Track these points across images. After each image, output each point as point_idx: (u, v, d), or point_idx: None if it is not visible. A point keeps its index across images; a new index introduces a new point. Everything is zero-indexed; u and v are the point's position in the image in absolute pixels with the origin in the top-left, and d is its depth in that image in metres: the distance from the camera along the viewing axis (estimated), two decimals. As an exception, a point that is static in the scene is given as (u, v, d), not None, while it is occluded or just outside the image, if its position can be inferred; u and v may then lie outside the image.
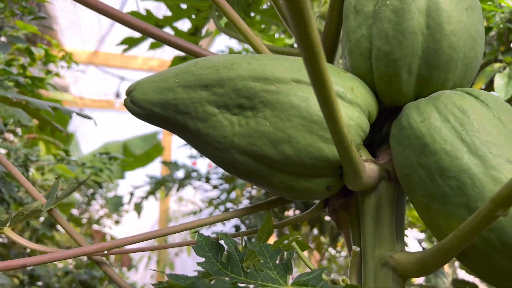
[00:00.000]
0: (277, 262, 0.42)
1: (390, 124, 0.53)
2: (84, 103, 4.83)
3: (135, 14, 0.93)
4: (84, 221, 2.73)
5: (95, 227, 3.06)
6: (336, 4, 0.56)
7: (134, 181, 2.86)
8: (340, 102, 0.46)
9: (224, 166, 0.51)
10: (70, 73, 4.05)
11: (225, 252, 0.42)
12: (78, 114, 0.79)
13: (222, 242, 0.43)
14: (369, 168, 0.48)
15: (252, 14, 0.95)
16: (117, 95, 3.95)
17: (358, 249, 0.50)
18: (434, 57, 0.45)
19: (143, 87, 0.52)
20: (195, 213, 3.29)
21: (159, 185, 2.44)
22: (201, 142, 0.51)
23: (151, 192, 2.48)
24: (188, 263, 4.54)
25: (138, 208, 2.49)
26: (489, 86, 1.44)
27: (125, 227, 3.52)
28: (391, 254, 0.48)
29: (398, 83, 0.48)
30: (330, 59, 0.59)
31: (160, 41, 0.63)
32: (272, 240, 0.50)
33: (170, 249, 4.61)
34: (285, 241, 0.54)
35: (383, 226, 0.49)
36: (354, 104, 0.47)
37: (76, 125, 4.45)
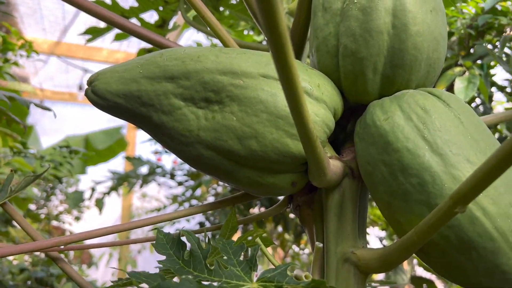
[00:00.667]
0: (241, 258, 0.41)
1: (354, 122, 0.53)
2: (45, 95, 4.66)
3: (100, 3, 0.91)
4: (43, 216, 2.64)
5: (55, 223, 2.96)
6: (305, 1, 0.56)
7: (96, 177, 2.79)
8: (307, 98, 0.46)
9: (189, 161, 0.50)
10: (30, 64, 3.89)
11: (187, 249, 0.42)
12: (36, 105, 0.76)
13: (184, 238, 0.42)
14: (334, 164, 0.48)
15: (221, 9, 0.94)
16: (80, 88, 3.83)
17: (321, 245, 0.50)
18: (399, 57, 0.46)
19: (106, 77, 0.50)
20: (158, 210, 3.24)
21: (121, 181, 2.39)
22: (165, 136, 0.50)
23: (114, 188, 2.42)
24: (150, 261, 4.47)
25: (99, 204, 2.43)
26: (450, 90, 1.48)
27: (86, 224, 3.43)
28: (353, 250, 0.48)
29: (363, 82, 0.48)
30: (298, 57, 0.59)
31: (126, 31, 0.61)
32: (236, 237, 0.50)
33: (132, 246, 4.52)
34: (249, 237, 0.54)
35: (346, 223, 0.50)
36: (320, 101, 0.47)
37: (36, 118, 4.29)
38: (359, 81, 0.48)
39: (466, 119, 0.44)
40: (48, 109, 0.79)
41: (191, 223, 2.36)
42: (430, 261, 0.43)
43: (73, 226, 3.16)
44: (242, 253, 0.43)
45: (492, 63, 1.46)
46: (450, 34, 1.52)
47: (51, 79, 4.65)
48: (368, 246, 0.53)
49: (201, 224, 2.07)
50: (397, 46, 0.46)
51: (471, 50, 1.46)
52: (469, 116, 0.44)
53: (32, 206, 2.56)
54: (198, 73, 0.47)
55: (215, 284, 0.37)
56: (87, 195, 2.63)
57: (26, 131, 0.97)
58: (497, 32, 1.53)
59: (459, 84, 1.33)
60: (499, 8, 1.41)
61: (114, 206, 4.38)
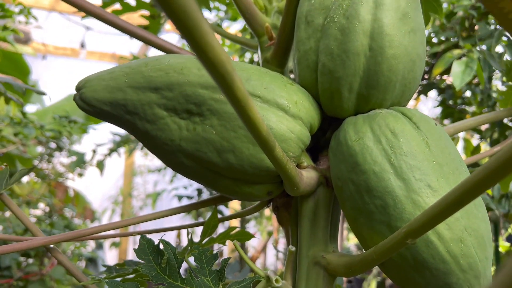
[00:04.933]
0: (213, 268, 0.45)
1: (333, 131, 0.56)
2: (48, 50, 4.63)
3: None
4: (47, 172, 2.70)
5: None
6: (291, 6, 0.56)
7: (98, 136, 2.83)
8: (283, 115, 0.48)
9: (171, 166, 0.53)
10: (32, 19, 3.84)
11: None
12: (33, 89, 0.77)
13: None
14: (307, 176, 0.51)
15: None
16: (82, 45, 3.80)
17: (294, 248, 0.54)
18: (374, 78, 0.47)
19: (93, 84, 0.52)
20: (159, 170, 3.31)
21: (122, 144, 2.43)
22: (150, 143, 0.52)
23: (113, 150, 2.47)
24: (152, 217, 4.59)
25: (100, 166, 2.49)
26: (447, 72, 1.48)
27: (88, 179, 3.51)
28: (323, 254, 0.52)
29: (339, 99, 0.50)
30: (283, 61, 0.60)
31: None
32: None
33: (134, 202, 4.65)
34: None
35: (318, 228, 0.53)
36: (296, 118, 0.49)
37: (38, 73, 4.28)
38: (335, 98, 0.50)
39: (433, 142, 0.46)
40: (43, 93, 0.81)
41: (189, 189, 2.42)
42: (389, 274, 0.47)
43: (75, 182, 3.24)
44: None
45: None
46: (453, 13, 1.49)
47: (53, 34, 4.60)
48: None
49: (199, 191, 2.13)
50: (372, 68, 0.47)
51: (472, 32, 1.44)
52: (437, 139, 0.46)
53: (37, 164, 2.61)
54: (180, 85, 0.49)
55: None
56: (88, 157, 2.68)
57: (25, 94, 0.99)
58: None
59: (456, 68, 1.32)
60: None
61: (117, 162, 4.45)
